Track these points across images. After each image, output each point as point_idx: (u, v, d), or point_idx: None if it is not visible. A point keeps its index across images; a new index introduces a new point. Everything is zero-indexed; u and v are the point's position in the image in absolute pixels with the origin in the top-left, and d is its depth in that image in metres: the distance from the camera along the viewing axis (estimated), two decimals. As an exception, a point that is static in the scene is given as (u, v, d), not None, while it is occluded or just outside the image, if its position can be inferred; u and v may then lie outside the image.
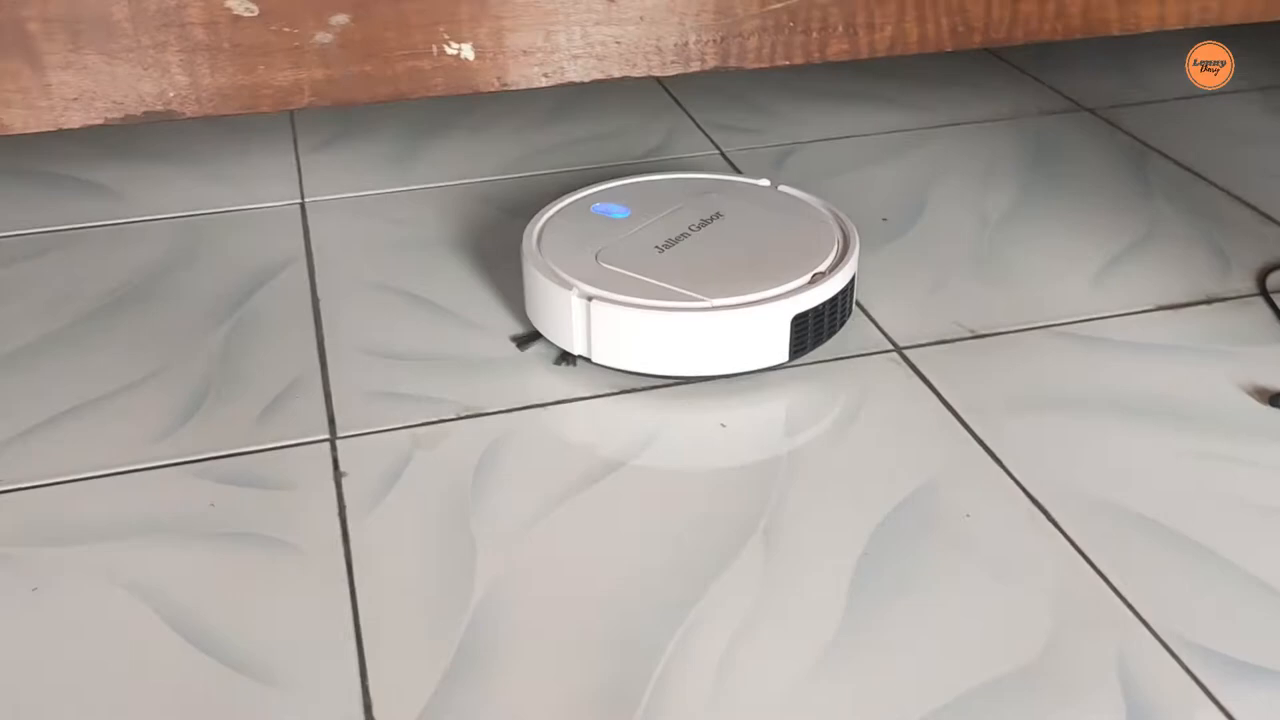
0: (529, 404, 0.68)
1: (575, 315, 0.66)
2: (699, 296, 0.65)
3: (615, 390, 0.69)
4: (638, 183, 0.77)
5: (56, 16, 0.51)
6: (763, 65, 0.58)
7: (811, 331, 0.68)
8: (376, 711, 0.49)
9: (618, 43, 0.57)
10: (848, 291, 0.70)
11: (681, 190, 0.76)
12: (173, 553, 0.57)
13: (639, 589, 0.55)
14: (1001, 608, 0.53)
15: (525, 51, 0.57)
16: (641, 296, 0.65)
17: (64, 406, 0.68)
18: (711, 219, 0.72)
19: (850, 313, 0.72)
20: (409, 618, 0.53)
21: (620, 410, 0.67)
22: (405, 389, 0.69)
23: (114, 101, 0.53)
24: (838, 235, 0.72)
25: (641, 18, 0.56)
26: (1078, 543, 0.57)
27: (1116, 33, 0.72)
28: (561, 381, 0.69)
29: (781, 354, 0.67)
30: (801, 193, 0.78)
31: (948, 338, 0.73)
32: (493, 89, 0.57)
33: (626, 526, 0.59)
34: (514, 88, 0.57)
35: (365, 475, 0.62)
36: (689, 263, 0.68)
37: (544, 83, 0.57)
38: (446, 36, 0.55)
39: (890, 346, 0.72)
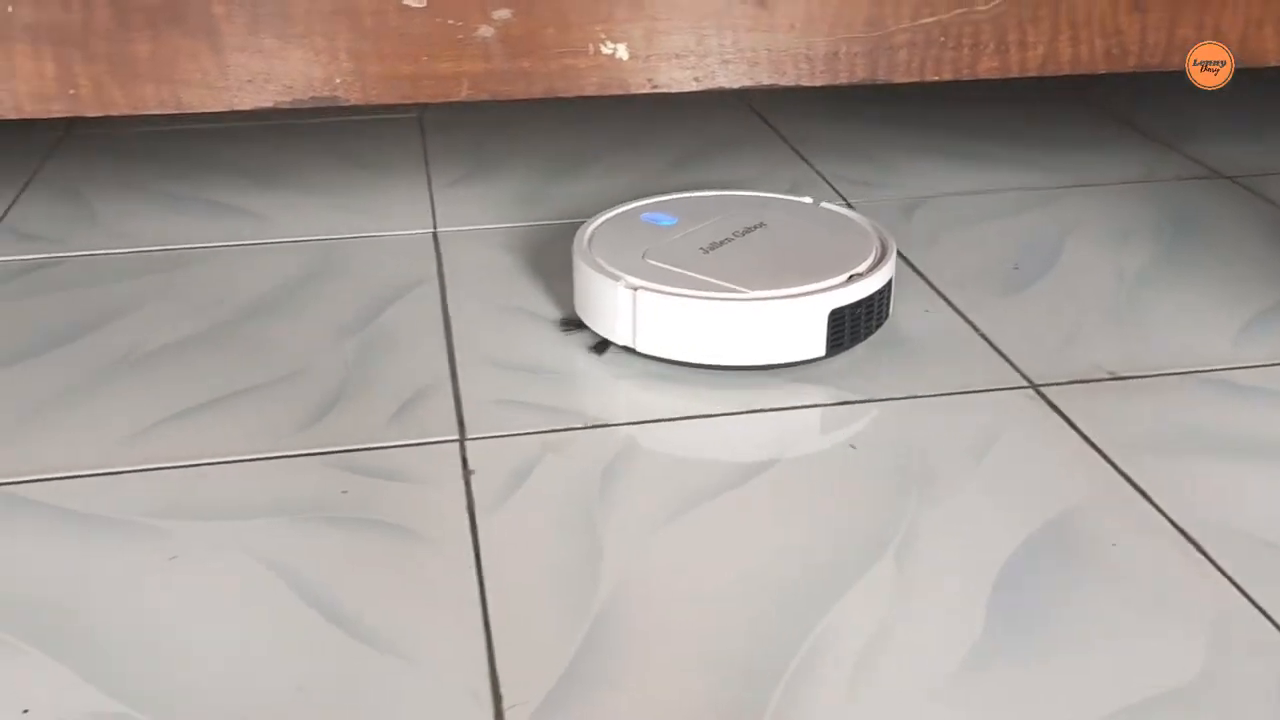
0: (656, 418, 0.68)
1: (621, 305, 0.69)
2: (740, 289, 0.68)
3: (742, 409, 0.68)
4: (685, 197, 0.81)
5: (239, 0, 0.53)
6: (911, 79, 0.59)
7: (849, 328, 0.70)
8: (503, 689, 0.48)
9: (768, 49, 0.57)
10: (885, 293, 0.73)
11: (727, 204, 0.81)
12: (305, 533, 0.58)
13: (767, 597, 0.53)
14: (1151, 633, 0.51)
15: (677, 54, 0.58)
16: (685, 288, 0.68)
17: (207, 397, 0.70)
18: (755, 227, 0.77)
19: (888, 316, 0.75)
20: (535, 607, 0.53)
21: (746, 428, 0.67)
22: (533, 399, 0.70)
23: (285, 85, 0.55)
24: (876, 244, 0.76)
25: (793, 25, 0.57)
26: (1232, 575, 0.54)
27: (1274, 63, 0.70)
28: (687, 399, 0.69)
29: (819, 348, 0.70)
30: (843, 209, 0.82)
31: (1086, 378, 0.71)
32: (643, 90, 0.58)
33: (754, 537, 0.58)
34: (664, 89, 0.58)
35: (493, 474, 0.62)
36: (732, 262, 0.72)
37: (694, 86, 0.58)
38: (603, 35, 0.57)
39: (1025, 383, 0.71)
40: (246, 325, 0.78)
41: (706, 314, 0.68)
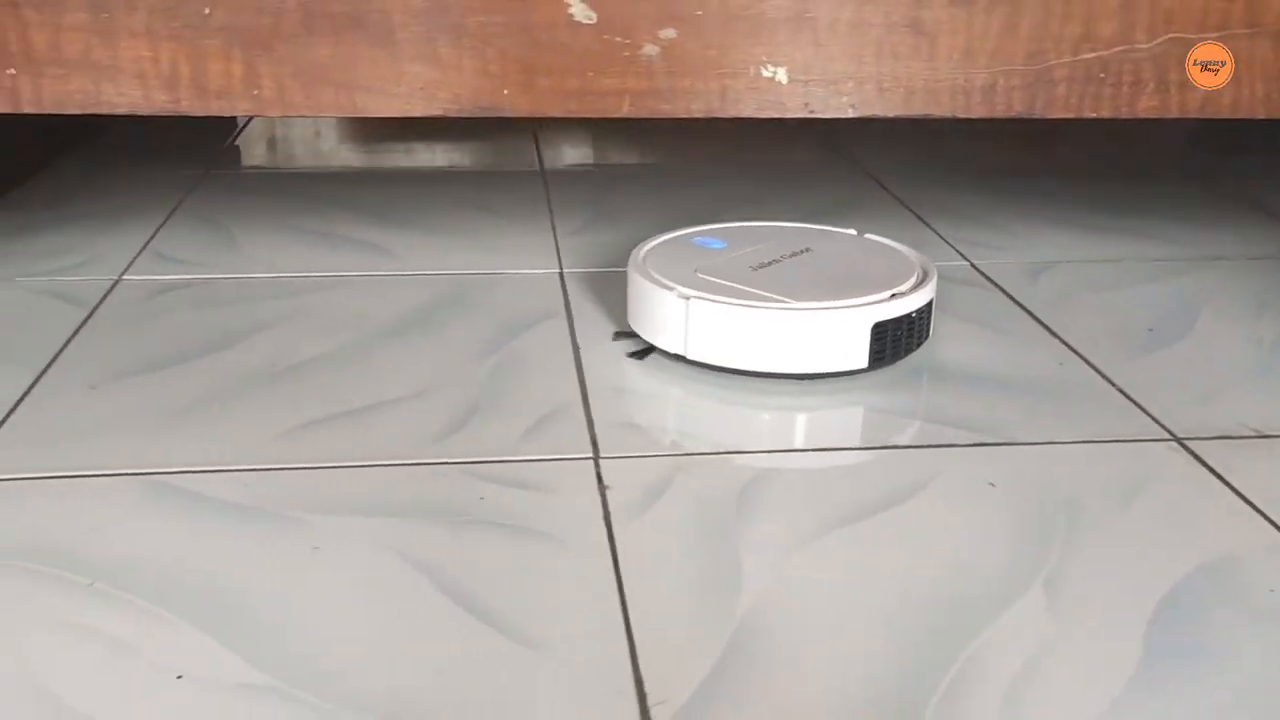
0: (793, 448, 0.67)
1: (674, 314, 0.73)
2: (788, 300, 0.72)
3: (880, 445, 0.68)
4: (735, 226, 0.86)
5: (419, 10, 0.55)
6: (1069, 115, 0.59)
7: (890, 343, 0.74)
8: (647, 687, 0.48)
9: (926, 79, 0.58)
10: (926, 313, 0.76)
11: (775, 232, 0.85)
12: (444, 532, 0.58)
13: (912, 619, 0.52)
14: (1320, 679, 0.49)
15: (836, 80, 0.58)
16: (735, 299, 0.73)
17: (344, 408, 0.71)
18: (801, 252, 0.81)
19: (928, 336, 0.78)
20: (676, 613, 0.52)
21: (886, 461, 0.66)
22: (664, 424, 0.70)
23: (455, 94, 0.57)
24: (918, 270, 0.79)
25: (951, 56, 0.58)
26: (1404, 626, 0.52)
27: None
28: (825, 430, 0.69)
29: (861, 359, 0.73)
30: (887, 240, 0.85)
31: (1231, 434, 0.70)
32: (800, 114, 0.59)
33: (893, 562, 0.57)
34: (820, 114, 0.59)
35: (628, 490, 0.62)
36: (780, 279, 0.76)
37: (850, 113, 0.59)
38: (764, 58, 0.58)
39: (1167, 436, 0.69)
40: (381, 346, 0.80)
41: (755, 322, 0.72)
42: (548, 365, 0.78)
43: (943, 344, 0.82)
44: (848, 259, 0.81)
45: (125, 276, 0.92)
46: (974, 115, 0.58)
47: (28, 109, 0.55)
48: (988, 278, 0.95)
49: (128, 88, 0.55)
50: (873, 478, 0.65)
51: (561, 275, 0.94)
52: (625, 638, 0.51)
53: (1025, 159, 1.41)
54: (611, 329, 0.83)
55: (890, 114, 0.59)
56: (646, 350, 0.77)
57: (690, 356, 0.74)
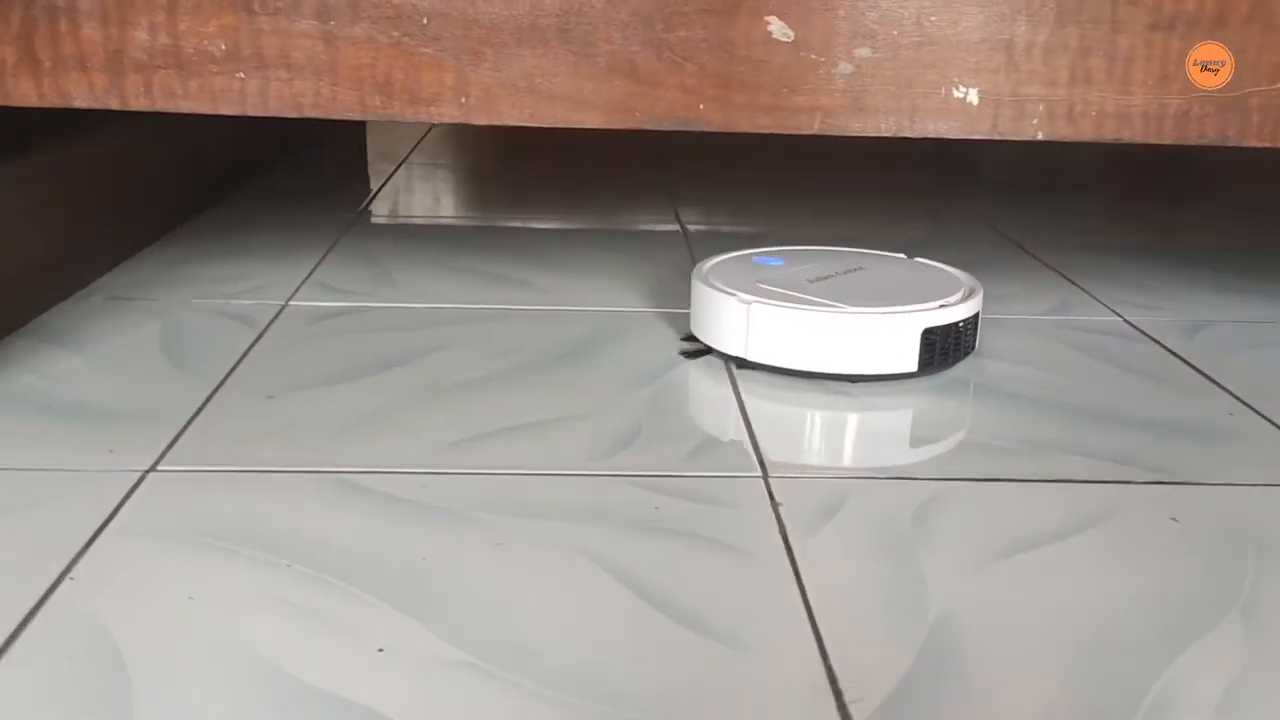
0: (967, 476, 0.67)
1: (736, 319, 0.80)
2: (843, 307, 0.78)
3: (1057, 478, 0.67)
4: (792, 248, 0.94)
5: (623, 23, 0.58)
6: (1263, 144, 0.59)
7: (939, 350, 0.79)
8: (842, 685, 0.47)
9: (1118, 104, 0.58)
10: (973, 324, 0.82)
11: (829, 254, 0.93)
12: (623, 535, 0.59)
13: (1105, 642, 0.51)
14: None
15: (1026, 103, 0.59)
16: (794, 304, 0.79)
17: (510, 423, 0.72)
18: (855, 270, 0.88)
19: (974, 348, 0.84)
20: (862, 619, 0.52)
21: (1064, 492, 0.65)
22: (836, 450, 0.70)
23: (650, 107, 0.59)
24: (965, 287, 0.85)
25: (1146, 81, 0.58)
26: None
27: None
28: (997, 459, 0.68)
29: (911, 363, 0.78)
30: (935, 263, 0.92)
31: None
32: (987, 135, 0.60)
33: (1080, 587, 0.56)
34: (1008, 137, 0.60)
35: (801, 507, 0.62)
36: (835, 290, 0.82)
37: (1039, 136, 0.60)
38: (957, 79, 0.59)
39: (1353, 482, 0.67)
40: (540, 371, 0.81)
41: (814, 325, 0.77)
42: (706, 395, 0.78)
43: (1102, 388, 0.81)
44: (898, 276, 0.88)
45: (291, 302, 0.95)
46: (1165, 141, 0.58)
47: (252, 111, 0.58)
48: (1141, 331, 0.94)
49: (345, 93, 0.58)
50: (1052, 507, 0.64)
51: (710, 316, 0.95)
52: (814, 638, 0.51)
53: (1171, 218, 1.40)
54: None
55: (1080, 139, 0.59)
56: (703, 352, 0.85)
57: (750, 358, 0.81)
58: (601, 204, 1.39)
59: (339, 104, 0.58)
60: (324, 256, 1.10)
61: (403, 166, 1.61)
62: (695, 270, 0.88)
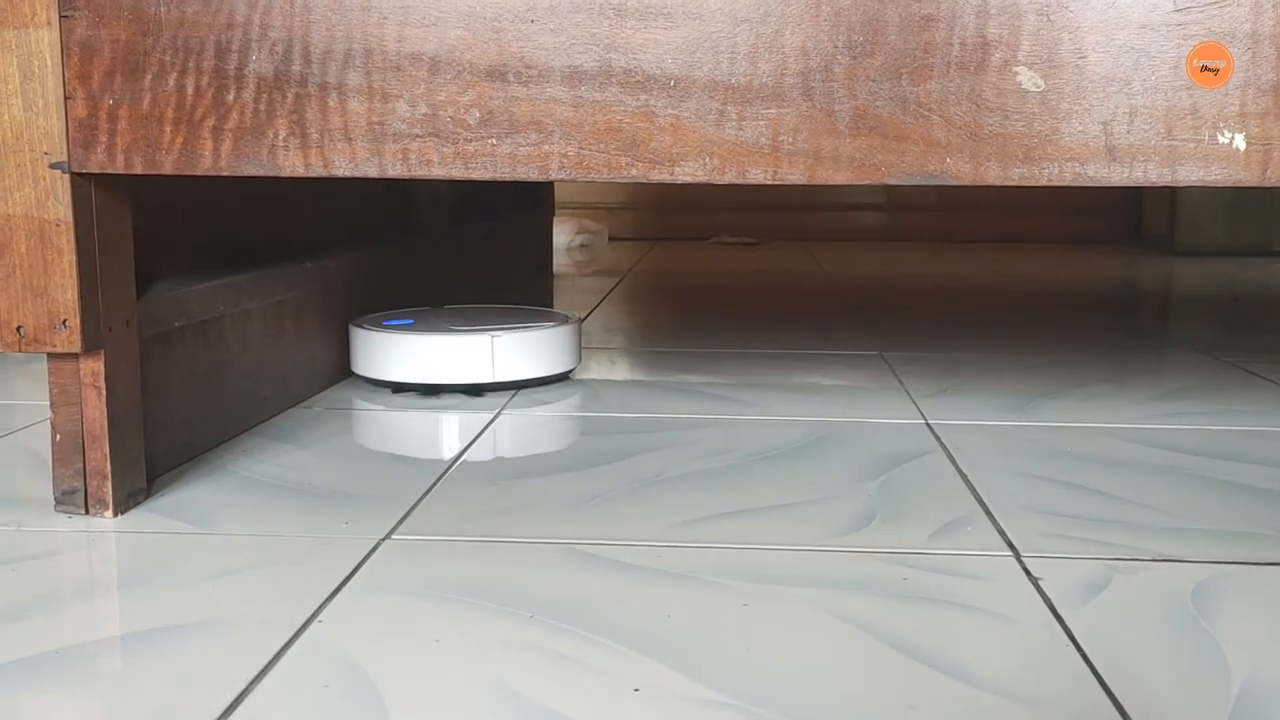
0: (1233, 559, 0.61)
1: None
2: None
3: (1341, 561, 0.61)
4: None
5: (866, 78, 0.58)
6: None
7: None
8: (1151, 738, 0.42)
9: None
10: None
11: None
12: (875, 599, 0.55)
13: None
14: None
15: (1297, 149, 0.56)
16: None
17: (742, 506, 0.70)
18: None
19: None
20: (1154, 683, 0.47)
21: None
22: (1083, 534, 0.65)
23: (896, 161, 0.59)
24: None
25: None
26: None
27: None
28: (1272, 546, 0.63)
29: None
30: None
31: None
32: (1256, 183, 0.57)
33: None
34: (1274, 185, 0.57)
35: (1063, 583, 0.58)
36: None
37: (1310, 183, 0.57)
38: (1220, 124, 0.57)
39: None
40: (760, 467, 0.79)
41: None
42: (936, 486, 0.75)
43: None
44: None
45: (505, 411, 0.96)
46: None
47: (502, 175, 0.60)
48: None
49: (592, 155, 0.60)
50: (1345, 588, 0.58)
51: (928, 424, 0.92)
52: (1103, 691, 0.46)
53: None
54: (996, 461, 0.80)
55: (1357, 184, 0.56)
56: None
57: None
58: (798, 336, 1.38)
59: (585, 165, 0.60)
60: (531, 376, 1.12)
61: (591, 316, 1.64)
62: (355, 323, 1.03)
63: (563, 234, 2.47)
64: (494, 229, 1.65)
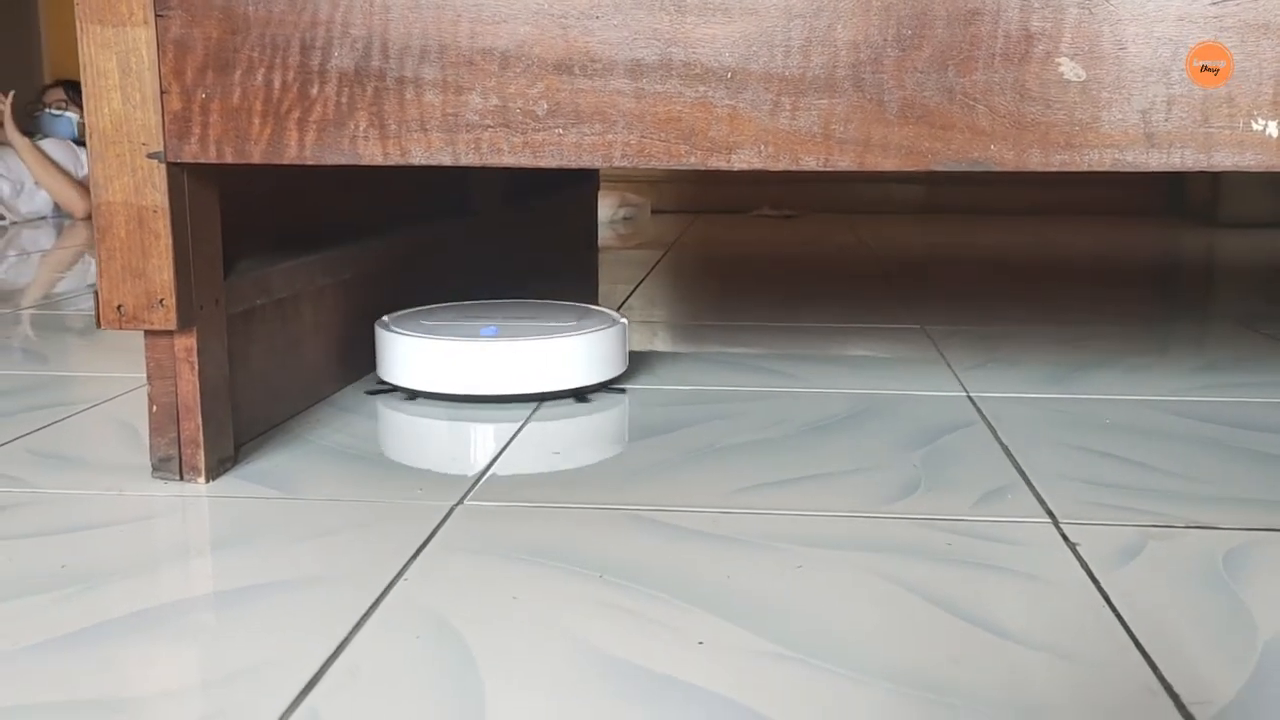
0: (1267, 526, 0.64)
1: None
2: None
3: (1368, 528, 0.64)
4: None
5: (915, 69, 0.61)
6: None
7: None
8: (1178, 689, 0.46)
9: None
10: None
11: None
12: (921, 562, 0.59)
13: None
14: None
15: (1329, 136, 0.59)
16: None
17: (792, 475, 0.74)
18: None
19: None
20: (1187, 638, 0.51)
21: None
22: (1119, 502, 0.68)
23: (943, 149, 0.62)
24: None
25: None
26: None
27: None
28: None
29: None
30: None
31: None
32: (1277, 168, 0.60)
33: None
34: (1310, 171, 0.59)
35: (1100, 548, 0.61)
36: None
37: (1344, 170, 0.59)
38: (1255, 112, 0.59)
39: None
40: (810, 437, 0.83)
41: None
42: (978, 456, 0.78)
43: None
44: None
45: (561, 384, 1.00)
46: None
47: (569, 162, 0.64)
48: None
49: (653, 143, 0.63)
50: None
51: (970, 397, 0.95)
52: (1136, 648, 0.50)
53: None
54: (1035, 432, 0.83)
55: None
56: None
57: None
58: (837, 310, 1.42)
59: (647, 153, 0.63)
60: (584, 350, 1.16)
61: (623, 308, 1.68)
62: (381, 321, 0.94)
63: (606, 207, 2.51)
64: (544, 207, 1.69)
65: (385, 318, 0.99)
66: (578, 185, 1.93)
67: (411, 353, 0.92)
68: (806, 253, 2.03)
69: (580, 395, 0.94)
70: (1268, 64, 0.59)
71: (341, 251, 0.94)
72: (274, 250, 0.86)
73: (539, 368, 0.92)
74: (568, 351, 0.93)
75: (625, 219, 2.62)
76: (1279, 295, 1.54)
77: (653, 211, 2.78)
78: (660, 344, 1.19)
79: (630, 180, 2.85)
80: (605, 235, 2.30)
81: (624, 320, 0.99)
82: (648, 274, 1.74)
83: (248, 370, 0.79)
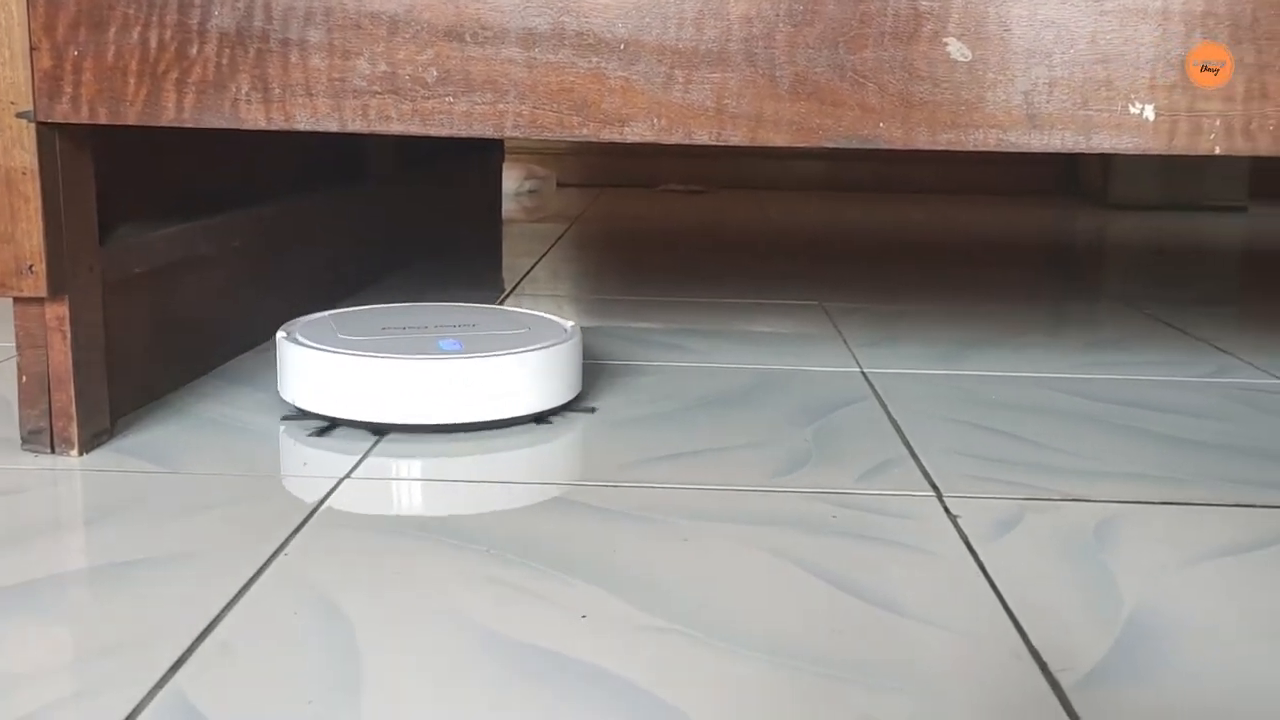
0: (1138, 499, 0.66)
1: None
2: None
3: (1234, 503, 0.66)
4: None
5: (804, 46, 0.61)
6: None
7: None
8: (1045, 657, 0.47)
9: (1295, 120, 0.60)
10: None
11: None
12: (803, 535, 0.60)
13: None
14: None
15: (1204, 117, 0.61)
16: None
17: (685, 449, 0.74)
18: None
19: None
20: (1056, 606, 0.52)
21: (1236, 516, 0.64)
22: (1001, 476, 0.70)
23: (832, 126, 0.62)
24: None
25: (1322, 96, 0.60)
26: None
27: None
28: (1179, 485, 0.68)
29: None
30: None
31: None
32: (1162, 150, 0.61)
33: (1271, 589, 0.55)
34: (1184, 152, 0.61)
35: (979, 519, 0.63)
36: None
37: (1216, 151, 0.61)
38: (1132, 95, 0.61)
39: None
40: (703, 413, 0.83)
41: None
42: (868, 431, 0.79)
43: (1252, 424, 0.79)
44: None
45: (456, 356, 0.99)
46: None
47: (459, 131, 0.63)
48: (1307, 392, 0.93)
49: (545, 114, 0.63)
50: (1220, 526, 0.63)
51: (864, 373, 0.96)
52: (1008, 617, 0.51)
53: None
54: (924, 408, 0.84)
55: (1257, 153, 0.61)
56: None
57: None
58: (743, 287, 1.42)
59: (539, 124, 0.63)
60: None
61: (526, 279, 1.67)
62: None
63: (511, 180, 2.49)
64: (446, 176, 1.66)
65: (291, 327, 0.82)
66: (482, 155, 1.91)
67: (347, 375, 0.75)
68: (712, 228, 2.04)
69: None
70: (1145, 48, 0.60)
71: (228, 218, 0.92)
72: (157, 217, 0.84)
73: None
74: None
75: (531, 191, 2.60)
76: (1163, 276, 1.59)
77: (559, 184, 2.77)
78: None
79: (536, 153, 2.83)
80: (510, 208, 2.28)
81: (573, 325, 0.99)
82: (551, 247, 1.73)
83: (127, 340, 0.77)
